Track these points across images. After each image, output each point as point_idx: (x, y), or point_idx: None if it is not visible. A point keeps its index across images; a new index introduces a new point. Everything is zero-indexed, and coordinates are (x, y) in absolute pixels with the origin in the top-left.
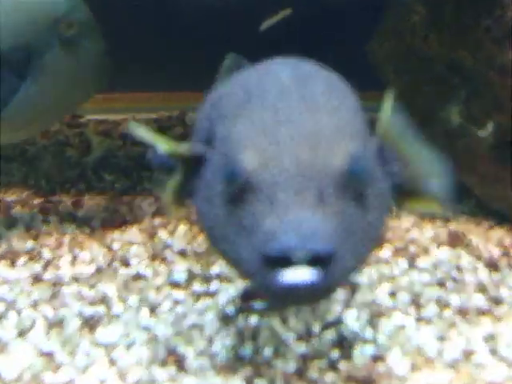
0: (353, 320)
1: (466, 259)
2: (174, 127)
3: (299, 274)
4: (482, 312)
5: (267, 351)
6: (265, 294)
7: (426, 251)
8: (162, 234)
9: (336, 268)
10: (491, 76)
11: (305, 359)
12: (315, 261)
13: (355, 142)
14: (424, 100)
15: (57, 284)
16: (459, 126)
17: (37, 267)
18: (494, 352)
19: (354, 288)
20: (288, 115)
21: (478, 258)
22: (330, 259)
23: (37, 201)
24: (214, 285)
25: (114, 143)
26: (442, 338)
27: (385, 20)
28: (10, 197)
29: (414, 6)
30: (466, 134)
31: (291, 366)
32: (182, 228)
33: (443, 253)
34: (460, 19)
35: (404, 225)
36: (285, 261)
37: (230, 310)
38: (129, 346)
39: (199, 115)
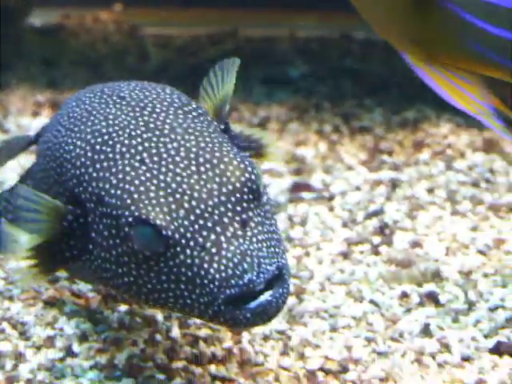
0: (394, 211)
1: (498, 163)
2: (225, 42)
3: (264, 299)
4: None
5: (315, 235)
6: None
7: (462, 155)
8: None
9: (287, 274)
10: None
11: (349, 243)
12: (272, 281)
13: (237, 152)
14: None
15: None
16: None
17: None
18: None
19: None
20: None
21: (510, 162)
22: (283, 273)
23: None
24: (265, 179)
25: (170, 54)
26: (475, 229)
27: None
28: None
29: None
30: None
31: (337, 248)
32: None
33: (478, 157)
34: None
35: (442, 131)
36: (248, 294)
37: (281, 199)
38: None
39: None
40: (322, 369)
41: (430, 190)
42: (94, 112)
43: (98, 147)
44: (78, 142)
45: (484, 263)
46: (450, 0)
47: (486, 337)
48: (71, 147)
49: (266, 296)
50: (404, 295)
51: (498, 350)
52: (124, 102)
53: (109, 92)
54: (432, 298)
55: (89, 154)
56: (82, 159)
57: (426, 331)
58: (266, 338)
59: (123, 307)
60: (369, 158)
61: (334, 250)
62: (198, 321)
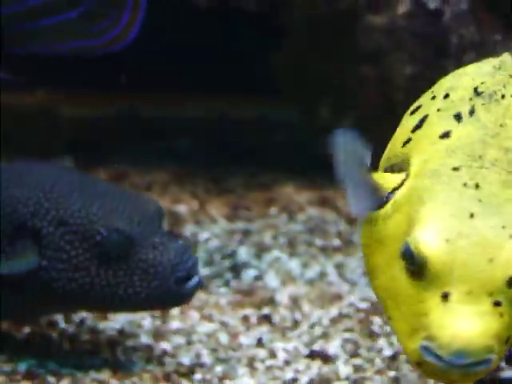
0: (244, 253)
1: (330, 216)
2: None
3: (197, 279)
4: (336, 249)
5: None
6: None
7: (302, 209)
8: None
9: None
10: None
11: (207, 278)
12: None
13: None
14: None
15: None
16: None
17: None
18: (341, 275)
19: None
20: None
21: (339, 214)
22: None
23: None
24: None
25: None
26: (305, 265)
27: None
28: None
29: None
30: None
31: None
32: None
33: (315, 211)
34: None
35: (287, 191)
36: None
37: None
38: None
39: None
40: (176, 371)
41: (275, 237)
42: None
43: None
44: None
45: (309, 291)
46: None
47: (305, 346)
48: None
49: (196, 278)
50: (245, 317)
51: (311, 355)
52: None
53: None
54: (267, 319)
55: None
56: None
57: (259, 343)
58: (135, 349)
59: None
60: (230, 212)
61: None
62: None
